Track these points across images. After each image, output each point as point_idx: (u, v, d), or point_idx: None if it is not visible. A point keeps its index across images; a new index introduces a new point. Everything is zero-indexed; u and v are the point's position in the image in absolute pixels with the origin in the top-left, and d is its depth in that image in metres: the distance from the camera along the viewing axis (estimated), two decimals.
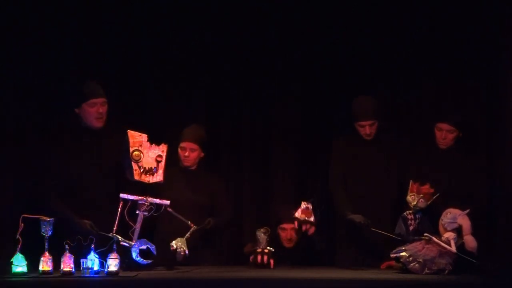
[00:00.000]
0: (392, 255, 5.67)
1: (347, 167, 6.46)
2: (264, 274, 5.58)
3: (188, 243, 5.81)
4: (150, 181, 5.76)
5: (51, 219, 5.28)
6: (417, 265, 5.53)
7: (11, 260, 5.22)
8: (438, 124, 6.35)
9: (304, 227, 6.14)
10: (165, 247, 5.87)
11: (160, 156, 5.78)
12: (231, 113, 7.12)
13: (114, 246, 5.32)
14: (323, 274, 5.62)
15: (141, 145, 5.75)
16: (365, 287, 5.23)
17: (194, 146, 6.33)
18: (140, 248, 5.61)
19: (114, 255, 5.27)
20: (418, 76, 7.00)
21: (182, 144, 6.32)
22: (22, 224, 5.24)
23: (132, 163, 5.71)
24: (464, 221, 5.64)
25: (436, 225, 5.71)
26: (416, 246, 5.59)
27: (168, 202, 5.74)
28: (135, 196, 5.67)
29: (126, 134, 5.76)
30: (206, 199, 6.31)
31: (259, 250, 5.98)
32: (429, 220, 5.75)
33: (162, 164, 5.79)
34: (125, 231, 5.64)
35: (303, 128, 7.11)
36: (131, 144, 5.73)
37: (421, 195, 5.76)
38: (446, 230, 5.66)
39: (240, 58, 7.06)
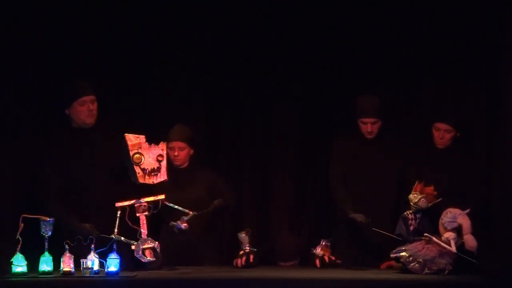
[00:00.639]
0: (392, 255, 5.67)
1: (347, 167, 6.47)
2: (264, 274, 5.58)
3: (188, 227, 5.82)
4: (155, 182, 5.76)
5: (51, 219, 5.29)
6: (417, 265, 5.53)
7: (11, 260, 5.22)
8: (436, 124, 6.36)
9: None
10: (168, 247, 5.87)
11: (161, 155, 5.78)
12: (231, 113, 7.12)
13: (114, 246, 5.32)
14: (323, 274, 5.62)
15: (140, 147, 5.74)
16: (365, 287, 5.23)
17: (182, 144, 6.35)
18: (143, 247, 5.59)
19: (114, 255, 5.27)
20: (418, 76, 6.99)
21: (170, 145, 6.31)
22: (22, 224, 5.24)
23: (134, 166, 5.71)
24: (464, 221, 5.64)
25: (436, 225, 5.71)
26: (416, 246, 5.60)
27: (163, 196, 5.73)
28: (129, 201, 5.65)
29: (124, 138, 5.76)
30: (204, 193, 6.31)
31: (241, 252, 5.98)
32: (429, 220, 5.75)
33: (164, 163, 5.79)
34: (133, 236, 5.64)
35: (303, 128, 7.11)
36: (130, 148, 5.73)
37: (423, 195, 5.75)
38: (446, 230, 5.66)
39: (240, 58, 7.06)
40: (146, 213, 5.67)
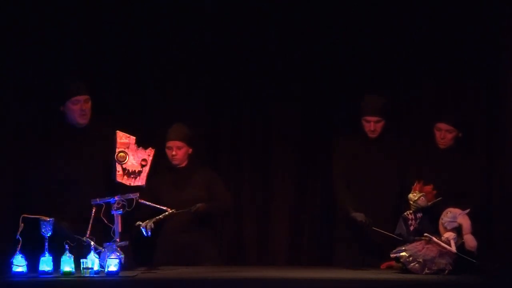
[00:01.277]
0: (392, 255, 5.67)
1: (348, 166, 6.47)
2: (264, 274, 5.58)
3: (157, 224, 5.77)
4: (132, 184, 5.70)
5: (51, 219, 5.28)
6: (417, 265, 5.52)
7: (11, 260, 5.22)
8: (437, 124, 6.37)
9: None
10: (168, 247, 5.87)
11: (145, 160, 5.74)
12: (231, 113, 7.12)
13: (114, 246, 5.31)
14: (323, 274, 5.62)
15: (127, 147, 5.71)
16: (365, 287, 5.23)
17: (179, 143, 6.34)
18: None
19: (114, 255, 5.27)
20: (419, 76, 7.00)
21: (168, 144, 6.33)
22: (22, 224, 5.23)
23: (116, 164, 5.70)
24: (464, 221, 5.63)
25: (436, 225, 5.71)
26: (416, 246, 5.59)
27: (137, 194, 5.65)
28: (105, 198, 5.60)
29: (115, 134, 5.76)
30: (202, 192, 6.30)
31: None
32: (429, 220, 5.75)
33: (147, 168, 5.74)
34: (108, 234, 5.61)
35: (303, 128, 7.11)
36: (117, 145, 5.71)
37: (423, 193, 5.75)
38: (446, 230, 5.65)
39: (240, 58, 7.06)
40: (120, 211, 5.62)
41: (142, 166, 5.73)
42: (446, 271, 5.50)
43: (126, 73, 6.91)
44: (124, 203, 5.61)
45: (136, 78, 6.95)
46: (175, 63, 7.02)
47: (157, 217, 5.80)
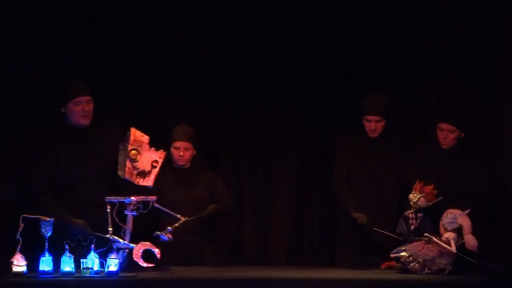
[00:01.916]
0: (392, 255, 5.67)
1: (349, 166, 6.47)
2: (264, 274, 5.57)
3: (175, 233, 5.76)
4: (140, 183, 5.70)
5: (51, 219, 5.28)
6: (417, 265, 5.53)
7: (11, 260, 5.21)
8: (439, 124, 6.37)
9: None
10: (170, 247, 5.87)
11: (156, 161, 5.74)
12: (231, 113, 7.11)
13: (114, 246, 5.32)
14: (323, 274, 5.62)
15: (140, 146, 5.72)
16: (365, 287, 5.23)
17: (188, 144, 6.32)
18: (143, 250, 5.57)
19: (114, 255, 5.27)
20: (419, 76, 6.99)
21: (176, 144, 6.29)
22: (22, 224, 5.23)
23: (127, 160, 5.68)
24: (465, 221, 5.64)
25: (437, 225, 5.71)
26: (416, 246, 5.59)
27: (154, 197, 5.69)
28: (121, 197, 5.62)
29: (129, 130, 5.73)
30: (205, 193, 6.30)
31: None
32: (430, 220, 5.75)
33: (156, 170, 5.74)
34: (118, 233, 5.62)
35: (303, 128, 7.10)
36: (131, 142, 5.69)
37: (423, 194, 5.76)
38: (446, 230, 5.66)
39: (240, 58, 7.05)
40: (135, 212, 5.63)
41: (153, 167, 5.72)
42: (446, 271, 5.51)
43: (125, 73, 6.90)
44: (140, 205, 5.62)
45: (136, 78, 6.94)
46: (175, 63, 7.01)
47: (174, 226, 5.77)
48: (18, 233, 5.22)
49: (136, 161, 5.67)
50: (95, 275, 5.22)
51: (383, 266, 5.96)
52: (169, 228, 5.74)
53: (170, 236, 5.72)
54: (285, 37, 7.06)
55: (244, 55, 7.05)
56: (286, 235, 7.03)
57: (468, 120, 6.49)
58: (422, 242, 5.61)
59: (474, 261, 5.51)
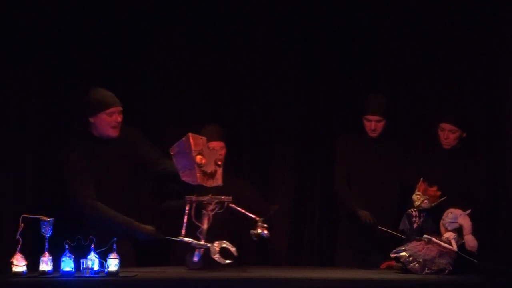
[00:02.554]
0: (392, 255, 5.67)
1: (349, 166, 6.48)
2: (264, 274, 5.58)
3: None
4: (212, 185, 5.69)
5: (51, 219, 5.27)
6: (417, 265, 5.53)
7: (11, 260, 5.21)
8: (440, 124, 6.38)
9: None
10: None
11: (220, 160, 5.74)
12: (231, 113, 7.11)
13: (114, 246, 5.31)
14: (323, 274, 5.62)
15: (202, 149, 5.67)
16: (365, 287, 5.23)
17: (222, 144, 6.32)
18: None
19: (114, 255, 5.26)
20: (420, 76, 7.00)
21: (211, 145, 6.08)
22: (22, 224, 5.23)
23: (195, 166, 5.64)
24: (465, 221, 5.64)
25: (439, 224, 5.72)
26: (416, 246, 5.60)
27: (230, 198, 5.67)
28: (199, 197, 5.63)
29: (187, 137, 5.65)
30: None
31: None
32: (434, 219, 5.76)
33: (221, 168, 5.73)
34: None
35: (303, 127, 7.11)
36: (193, 148, 5.63)
37: (426, 197, 5.76)
38: (447, 230, 5.66)
39: (240, 58, 7.06)
40: (212, 212, 5.64)
41: (218, 165, 5.71)
42: (446, 271, 5.51)
43: (126, 73, 6.91)
44: (217, 204, 5.61)
45: (136, 78, 6.95)
46: (175, 63, 7.02)
47: (263, 225, 5.73)
48: (18, 233, 5.21)
49: (203, 165, 5.65)
50: (95, 275, 5.22)
51: (383, 266, 5.96)
52: (261, 223, 5.69)
53: (267, 231, 5.69)
54: (285, 37, 7.06)
55: (244, 55, 7.06)
56: (286, 235, 7.03)
57: (469, 120, 6.49)
58: (422, 242, 5.61)
59: (475, 261, 5.51)
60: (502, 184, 6.54)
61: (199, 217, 5.66)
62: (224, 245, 5.63)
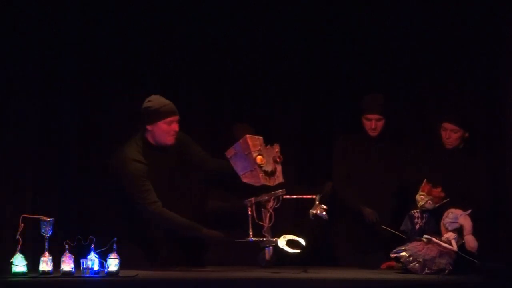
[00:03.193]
0: (392, 255, 5.68)
1: (349, 165, 6.48)
2: (264, 274, 5.58)
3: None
4: (274, 183, 5.70)
5: (51, 219, 5.27)
6: (417, 265, 5.53)
7: (11, 260, 5.21)
8: (443, 123, 6.38)
9: None
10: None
11: (278, 157, 5.74)
12: (231, 113, 7.11)
13: (114, 246, 5.31)
14: (323, 274, 5.62)
15: (260, 149, 5.68)
16: (365, 287, 5.23)
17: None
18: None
19: (114, 255, 5.26)
20: (420, 76, 6.99)
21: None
22: (22, 224, 5.23)
23: (256, 167, 5.63)
24: (466, 221, 5.64)
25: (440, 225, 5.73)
26: (416, 246, 5.60)
27: (284, 190, 5.69)
28: (257, 197, 5.66)
29: (245, 138, 5.68)
30: None
31: None
32: (436, 220, 5.76)
33: (280, 165, 5.74)
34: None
35: (303, 127, 7.10)
36: (252, 149, 5.64)
37: (430, 197, 5.77)
38: (447, 230, 5.66)
39: (240, 58, 7.06)
40: (272, 209, 5.66)
41: (276, 163, 5.70)
42: (446, 271, 5.51)
43: (125, 73, 6.91)
44: (274, 200, 5.63)
45: (136, 78, 6.94)
46: (175, 63, 7.01)
47: (321, 206, 5.72)
48: (18, 233, 5.22)
49: (264, 165, 5.65)
50: (95, 275, 5.22)
51: (383, 266, 5.97)
52: (319, 204, 5.70)
53: (325, 213, 5.69)
54: (285, 37, 7.06)
55: (244, 55, 7.06)
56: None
57: (471, 120, 6.49)
58: (422, 242, 5.61)
59: (475, 261, 5.51)
60: (502, 184, 6.54)
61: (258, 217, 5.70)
62: (290, 237, 5.65)
